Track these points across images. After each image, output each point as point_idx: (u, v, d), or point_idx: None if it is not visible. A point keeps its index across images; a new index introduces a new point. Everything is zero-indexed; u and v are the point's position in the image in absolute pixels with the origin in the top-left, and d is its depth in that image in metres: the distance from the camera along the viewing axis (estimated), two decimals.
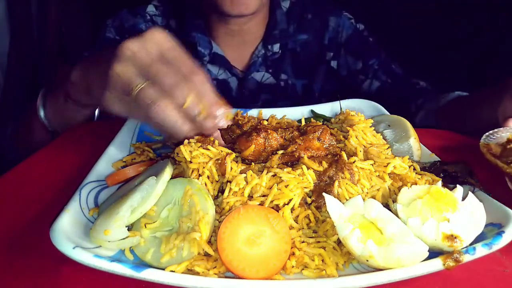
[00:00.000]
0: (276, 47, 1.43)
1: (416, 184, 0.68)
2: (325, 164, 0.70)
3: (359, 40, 1.51)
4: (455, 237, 0.56)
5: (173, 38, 0.76)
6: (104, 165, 0.80)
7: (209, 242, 0.61)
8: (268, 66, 1.45)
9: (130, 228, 0.62)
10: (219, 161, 0.70)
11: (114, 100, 0.74)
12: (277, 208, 0.64)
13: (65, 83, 0.95)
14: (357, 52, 1.49)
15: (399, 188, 0.67)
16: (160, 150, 0.91)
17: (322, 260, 0.59)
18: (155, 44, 0.73)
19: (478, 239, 0.57)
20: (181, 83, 0.71)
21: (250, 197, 0.66)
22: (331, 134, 0.79)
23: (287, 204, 0.64)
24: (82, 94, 0.92)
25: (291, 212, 0.64)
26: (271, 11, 1.44)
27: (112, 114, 0.77)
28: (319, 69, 1.51)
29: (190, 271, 0.57)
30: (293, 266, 0.59)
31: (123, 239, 0.58)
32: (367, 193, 0.68)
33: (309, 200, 0.67)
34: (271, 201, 0.64)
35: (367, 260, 0.55)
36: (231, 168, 0.69)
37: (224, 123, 0.77)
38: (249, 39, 1.43)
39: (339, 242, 0.61)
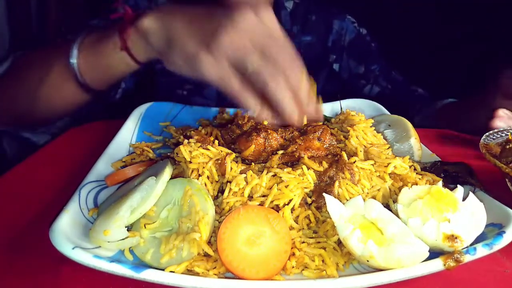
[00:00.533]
0: None
1: (416, 184, 0.68)
2: (325, 164, 0.70)
3: (362, 45, 1.51)
4: (456, 237, 0.56)
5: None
6: (103, 165, 0.79)
7: (209, 242, 0.60)
8: None
9: (129, 228, 0.62)
10: (219, 161, 0.70)
11: (210, 65, 0.72)
12: (277, 209, 0.64)
13: (124, 28, 0.86)
14: (359, 57, 1.50)
15: (400, 188, 0.67)
16: (160, 150, 0.91)
17: (323, 261, 0.59)
18: (268, 23, 0.74)
19: (478, 240, 0.57)
20: (293, 66, 0.72)
21: (250, 197, 0.66)
22: (332, 134, 0.79)
23: (287, 204, 0.64)
24: (147, 47, 0.85)
25: (291, 212, 0.64)
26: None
27: (185, 73, 0.76)
28: (321, 71, 1.51)
29: (190, 272, 0.57)
30: (293, 267, 0.58)
31: (123, 239, 0.58)
32: (368, 193, 0.68)
33: (309, 200, 0.67)
34: (271, 201, 0.64)
35: (368, 261, 0.55)
36: (231, 168, 0.69)
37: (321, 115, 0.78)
38: None
39: (339, 243, 0.61)
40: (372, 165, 0.71)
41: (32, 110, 1.02)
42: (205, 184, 0.68)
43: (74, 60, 0.91)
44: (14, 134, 1.16)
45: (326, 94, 1.56)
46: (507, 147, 0.80)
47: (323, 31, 1.48)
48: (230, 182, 0.67)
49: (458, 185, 0.64)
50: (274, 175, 0.67)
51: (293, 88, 0.73)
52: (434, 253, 0.56)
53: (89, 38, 0.94)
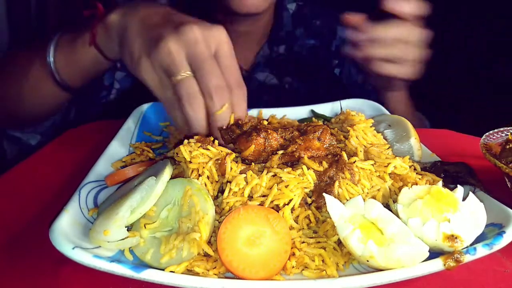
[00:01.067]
0: (282, 49, 1.41)
1: (416, 184, 0.68)
2: (325, 164, 0.70)
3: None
4: (456, 237, 0.56)
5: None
6: (103, 165, 0.79)
7: (209, 242, 0.60)
8: (273, 67, 1.43)
9: (129, 228, 0.62)
10: (219, 161, 0.70)
11: (148, 70, 0.74)
12: (277, 209, 0.64)
13: (94, 24, 0.88)
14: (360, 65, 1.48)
15: (400, 188, 0.67)
16: (160, 150, 0.91)
17: (323, 261, 0.59)
18: (217, 41, 0.74)
19: (478, 239, 0.57)
20: (224, 90, 0.73)
21: (250, 197, 0.66)
22: (332, 134, 0.79)
23: (287, 204, 0.64)
24: (111, 43, 0.86)
25: (291, 212, 0.64)
26: (276, 12, 1.41)
27: (139, 78, 0.77)
28: (323, 75, 1.50)
29: (189, 272, 0.57)
30: (293, 267, 0.58)
31: (123, 239, 0.58)
32: (368, 193, 0.68)
33: (309, 200, 0.67)
34: (271, 201, 0.64)
35: (368, 261, 0.55)
36: (231, 168, 0.69)
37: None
38: (255, 39, 1.40)
39: (339, 243, 0.61)
40: (372, 165, 0.71)
41: (16, 109, 1.03)
42: (205, 184, 0.68)
43: (50, 59, 0.93)
44: (4, 133, 1.15)
45: (327, 96, 1.56)
46: (507, 147, 0.80)
47: (327, 35, 1.47)
48: (230, 182, 0.67)
49: (458, 185, 0.64)
50: (274, 175, 0.67)
51: (210, 110, 0.75)
52: (434, 253, 0.56)
53: (66, 36, 0.95)
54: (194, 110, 0.73)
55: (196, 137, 0.76)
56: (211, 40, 0.74)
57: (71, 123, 1.15)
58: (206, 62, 0.72)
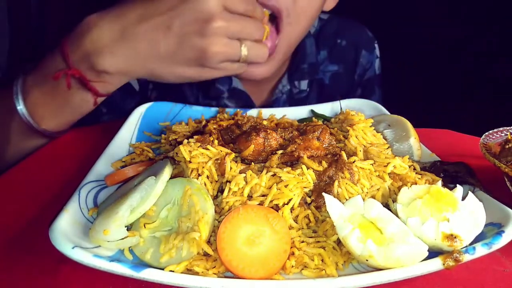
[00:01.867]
0: (304, 84, 1.29)
1: (416, 184, 0.68)
2: (324, 164, 0.70)
3: (372, 86, 1.44)
4: (455, 237, 0.56)
5: None
6: (103, 165, 0.79)
7: (209, 242, 0.61)
8: (292, 102, 1.29)
9: (129, 228, 0.62)
10: (219, 161, 0.70)
11: (177, 41, 0.77)
12: (276, 208, 0.64)
13: (74, 62, 0.79)
14: (365, 96, 1.38)
15: (399, 188, 0.67)
16: (160, 150, 0.91)
17: (322, 260, 0.59)
18: None
19: (478, 239, 0.57)
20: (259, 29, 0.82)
21: (250, 197, 0.66)
22: (331, 133, 0.79)
23: (287, 204, 0.64)
24: (119, 63, 0.80)
25: (291, 212, 0.64)
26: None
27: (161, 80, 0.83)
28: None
29: (189, 271, 0.57)
30: (292, 266, 0.58)
31: (123, 239, 0.58)
32: (367, 193, 0.68)
33: (308, 200, 0.67)
34: (271, 201, 0.64)
35: (367, 260, 0.55)
36: (231, 168, 0.69)
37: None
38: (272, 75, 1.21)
39: (338, 242, 0.61)
40: (372, 164, 0.71)
41: None
42: (205, 184, 0.68)
43: (20, 106, 0.82)
44: None
45: None
46: (507, 147, 0.80)
47: (351, 60, 1.38)
48: (229, 181, 0.67)
49: (458, 185, 0.64)
50: (274, 175, 0.67)
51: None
52: (433, 253, 0.56)
53: (33, 79, 0.85)
54: (251, 34, 0.79)
55: (196, 137, 0.76)
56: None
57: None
58: (241, 23, 0.80)
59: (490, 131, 0.86)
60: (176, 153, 0.73)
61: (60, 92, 0.84)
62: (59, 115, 0.88)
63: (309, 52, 1.29)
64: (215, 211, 0.64)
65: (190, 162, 0.70)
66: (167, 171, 0.66)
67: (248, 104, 1.25)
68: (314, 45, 1.32)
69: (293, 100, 1.30)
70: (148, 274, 0.52)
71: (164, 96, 1.25)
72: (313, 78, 1.32)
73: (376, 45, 1.44)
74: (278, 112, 1.06)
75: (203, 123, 0.92)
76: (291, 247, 0.59)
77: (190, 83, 1.26)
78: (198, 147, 0.72)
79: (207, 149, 0.72)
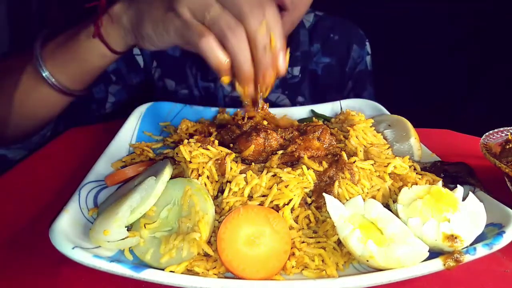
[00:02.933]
0: (297, 70, 1.36)
1: (416, 184, 0.68)
2: (325, 164, 0.70)
3: (364, 81, 1.48)
4: (456, 237, 0.56)
5: None
6: (103, 165, 0.79)
7: (209, 242, 0.60)
8: (285, 87, 1.37)
9: (129, 228, 0.62)
10: (219, 161, 0.70)
11: (176, 23, 0.72)
12: (277, 208, 0.64)
13: (98, 16, 0.86)
14: (356, 94, 1.46)
15: (400, 188, 0.67)
16: (160, 150, 0.91)
17: (322, 261, 0.59)
18: None
19: (478, 239, 0.57)
20: (256, 10, 0.69)
21: (250, 197, 0.66)
22: (331, 134, 0.79)
23: (287, 204, 0.64)
24: (118, 33, 0.86)
25: (291, 212, 0.64)
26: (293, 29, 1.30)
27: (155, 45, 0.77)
28: (337, 97, 1.37)
29: (189, 272, 0.57)
30: (293, 267, 0.58)
31: (123, 239, 0.58)
32: (368, 193, 0.68)
33: (309, 200, 0.67)
34: (271, 201, 0.64)
35: (368, 261, 0.55)
36: (231, 168, 0.69)
37: (283, 65, 0.74)
38: None
39: (339, 242, 0.61)
40: (372, 165, 0.71)
41: (4, 121, 0.97)
42: (205, 184, 0.68)
43: (41, 61, 0.89)
44: None
45: None
46: (507, 147, 0.80)
47: (343, 54, 1.44)
48: (230, 182, 0.67)
49: (458, 185, 0.64)
50: (274, 175, 0.67)
51: (252, 37, 0.70)
52: (434, 253, 0.56)
53: (57, 39, 0.92)
54: (238, 39, 0.69)
55: (196, 137, 0.76)
56: None
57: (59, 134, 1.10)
58: None
59: (491, 131, 0.86)
60: (177, 153, 0.73)
61: (75, 42, 0.90)
62: (70, 65, 0.92)
63: (302, 41, 1.37)
64: (216, 212, 0.64)
65: (190, 162, 0.70)
66: (167, 172, 0.66)
67: None
68: (308, 37, 1.39)
69: (286, 84, 1.37)
70: (148, 275, 0.52)
71: (166, 73, 1.33)
72: (306, 65, 1.38)
73: (367, 43, 1.49)
74: (278, 112, 1.05)
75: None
76: (291, 248, 0.59)
77: (190, 65, 1.32)
78: (199, 147, 0.72)
79: (207, 149, 0.72)
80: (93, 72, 0.96)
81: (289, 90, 1.39)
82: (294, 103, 1.40)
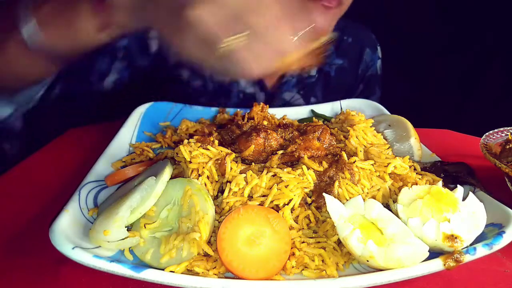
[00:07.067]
0: (314, 70, 1.37)
1: (416, 184, 0.68)
2: (325, 164, 0.70)
3: (373, 85, 1.50)
4: (456, 237, 0.56)
5: None
6: (103, 165, 0.79)
7: (209, 242, 0.60)
8: (301, 87, 1.37)
9: (129, 228, 0.62)
10: (219, 161, 0.70)
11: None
12: (277, 208, 0.64)
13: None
14: (366, 97, 1.47)
15: (400, 188, 0.67)
16: (160, 150, 0.91)
17: (322, 261, 0.59)
18: None
19: (478, 239, 0.57)
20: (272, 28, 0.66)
21: (250, 197, 0.66)
22: (331, 134, 0.79)
23: (287, 204, 0.64)
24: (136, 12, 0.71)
25: (291, 212, 0.64)
26: None
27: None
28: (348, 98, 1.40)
29: (189, 272, 0.57)
30: (293, 267, 0.58)
31: (123, 239, 0.58)
32: (368, 193, 0.68)
33: (309, 200, 0.66)
34: (271, 201, 0.64)
35: (368, 261, 0.55)
36: (231, 168, 0.69)
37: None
38: None
39: (339, 243, 0.61)
40: (372, 165, 0.71)
41: None
42: (205, 184, 0.68)
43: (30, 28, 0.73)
44: None
45: None
46: (507, 147, 0.80)
47: (356, 57, 1.45)
48: (230, 182, 0.67)
49: (458, 185, 0.64)
50: (274, 175, 0.67)
51: None
52: (434, 253, 0.56)
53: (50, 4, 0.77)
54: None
55: (196, 137, 0.76)
56: None
57: (54, 101, 1.04)
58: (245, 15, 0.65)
59: (491, 131, 0.86)
60: (177, 153, 0.73)
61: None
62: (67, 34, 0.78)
63: None
64: (216, 212, 0.64)
65: (190, 162, 0.70)
66: (168, 172, 0.66)
67: (259, 84, 1.29)
68: None
69: (302, 84, 1.36)
70: (148, 275, 0.51)
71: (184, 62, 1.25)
72: (321, 66, 1.37)
73: (379, 47, 1.50)
74: (278, 112, 1.05)
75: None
76: (291, 248, 0.59)
77: None
78: (199, 147, 0.72)
79: (207, 149, 0.71)
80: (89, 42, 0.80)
81: (304, 90, 1.38)
82: (308, 103, 1.38)
